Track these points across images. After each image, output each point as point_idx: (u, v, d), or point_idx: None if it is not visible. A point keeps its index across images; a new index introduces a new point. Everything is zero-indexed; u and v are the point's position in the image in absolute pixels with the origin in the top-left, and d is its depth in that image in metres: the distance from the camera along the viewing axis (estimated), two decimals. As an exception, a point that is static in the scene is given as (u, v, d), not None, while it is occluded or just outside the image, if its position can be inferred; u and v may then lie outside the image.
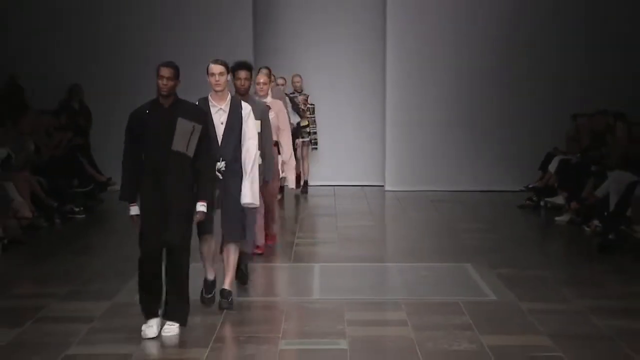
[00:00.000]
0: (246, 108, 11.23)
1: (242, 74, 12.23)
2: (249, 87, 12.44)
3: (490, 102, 22.35)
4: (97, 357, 9.15)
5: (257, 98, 13.39)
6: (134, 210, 10.18)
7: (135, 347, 9.51)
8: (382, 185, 22.84)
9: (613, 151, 17.75)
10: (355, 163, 23.29)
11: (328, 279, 13.41)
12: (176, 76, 10.03)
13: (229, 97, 11.19)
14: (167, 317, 10.29)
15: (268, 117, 13.15)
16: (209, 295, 11.43)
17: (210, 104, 11.13)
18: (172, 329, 10.21)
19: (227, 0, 22.36)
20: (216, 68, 11.08)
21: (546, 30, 22.14)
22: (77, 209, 18.40)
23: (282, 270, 14.17)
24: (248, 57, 21.46)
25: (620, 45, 21.97)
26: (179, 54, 18.38)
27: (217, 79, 11.01)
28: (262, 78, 14.36)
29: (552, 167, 19.65)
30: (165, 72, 9.95)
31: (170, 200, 9.95)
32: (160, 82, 9.94)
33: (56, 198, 17.92)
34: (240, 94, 12.15)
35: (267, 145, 13.09)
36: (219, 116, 11.13)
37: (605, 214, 16.28)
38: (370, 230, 17.88)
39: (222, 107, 11.13)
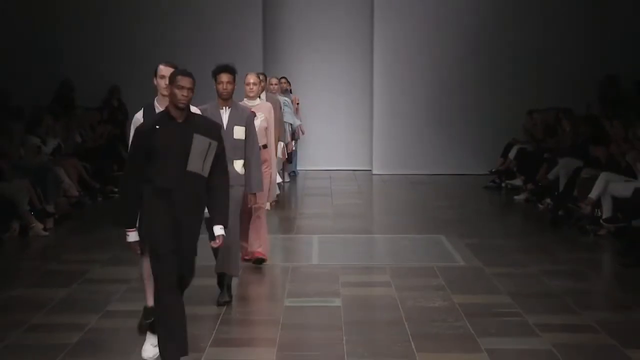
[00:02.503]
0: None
1: (225, 77, 10.06)
2: (232, 91, 10.00)
3: (461, 100, 22.31)
4: (133, 313, 9.16)
5: (242, 103, 10.66)
6: (134, 236, 7.61)
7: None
8: (370, 170, 22.80)
9: (562, 142, 17.76)
10: (346, 150, 23.23)
11: (325, 247, 13.41)
12: (194, 87, 7.55)
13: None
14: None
15: (253, 124, 10.34)
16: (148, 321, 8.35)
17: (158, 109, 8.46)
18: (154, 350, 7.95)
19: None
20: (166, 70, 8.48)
21: (507, 37, 22.03)
22: (115, 190, 18.40)
23: (285, 240, 14.16)
24: (257, 56, 21.68)
25: (570, 50, 21.91)
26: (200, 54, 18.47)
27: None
28: (251, 79, 11.52)
29: (512, 154, 19.65)
30: (186, 82, 7.43)
31: (182, 225, 7.47)
32: (179, 92, 7.41)
33: (99, 180, 17.94)
34: (223, 99, 10.08)
35: (253, 154, 10.25)
36: None
37: (556, 193, 16.32)
38: (360, 207, 17.88)
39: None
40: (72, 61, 21.41)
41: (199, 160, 7.45)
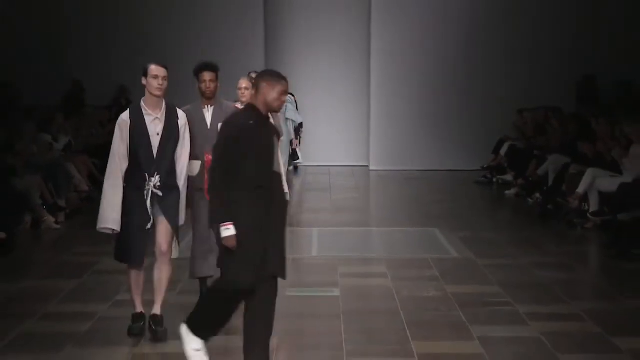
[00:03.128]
0: (182, 118, 8.48)
1: (207, 75, 9.25)
2: (215, 90, 9.24)
3: (454, 100, 22.30)
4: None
5: (227, 103, 9.56)
6: (233, 230, 6.96)
7: (172, 294, 9.52)
8: (367, 166, 22.81)
9: (551, 139, 17.77)
10: (345, 147, 23.21)
11: (324, 240, 13.43)
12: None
13: (164, 104, 8.36)
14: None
15: None
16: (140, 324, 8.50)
17: (144, 112, 8.36)
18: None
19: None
20: (160, 70, 8.31)
21: (498, 40, 22.03)
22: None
23: (287, 232, 14.17)
24: (259, 57, 21.66)
25: (558, 51, 21.91)
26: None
27: (160, 82, 8.27)
28: (243, 83, 10.48)
29: (503, 151, 19.66)
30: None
31: (272, 223, 7.12)
32: (282, 97, 7.10)
33: (107, 176, 17.93)
34: (206, 98, 9.28)
35: None
36: (155, 126, 8.32)
37: (545, 188, 16.34)
38: (358, 202, 17.90)
39: (158, 116, 8.33)
40: (82, 63, 21.42)
41: (277, 158, 7.16)
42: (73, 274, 11.06)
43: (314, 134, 22.54)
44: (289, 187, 10.90)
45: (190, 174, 8.84)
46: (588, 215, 14.22)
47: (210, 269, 9.20)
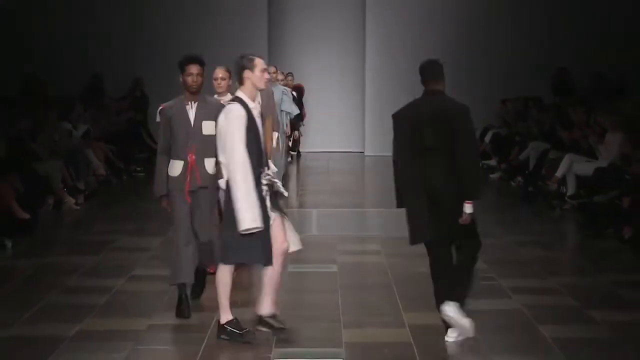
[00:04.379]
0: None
1: (194, 68, 8.12)
2: (202, 84, 8.11)
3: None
4: (155, 277, 9.19)
5: (210, 98, 8.53)
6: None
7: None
8: (362, 152, 22.79)
9: (531, 127, 17.75)
10: (342, 134, 23.17)
11: (323, 220, 13.44)
12: None
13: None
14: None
15: None
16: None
17: (248, 104, 7.40)
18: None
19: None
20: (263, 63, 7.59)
21: (482, 34, 22.00)
22: (138, 169, 18.40)
23: (289, 213, 14.16)
24: (262, 50, 21.60)
25: (539, 43, 21.87)
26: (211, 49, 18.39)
27: (268, 74, 7.76)
28: (219, 73, 9.19)
29: (487, 138, 19.62)
30: None
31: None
32: None
33: (123, 160, 17.93)
34: (191, 92, 8.13)
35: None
36: (258, 119, 7.45)
37: (526, 172, 16.33)
38: (354, 185, 17.90)
39: (257, 107, 7.54)
40: (101, 55, 21.37)
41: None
42: (91, 251, 11.06)
43: (313, 122, 22.48)
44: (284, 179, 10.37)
45: (171, 175, 8.06)
46: (566, 198, 14.21)
47: (191, 275, 8.26)
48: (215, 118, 7.69)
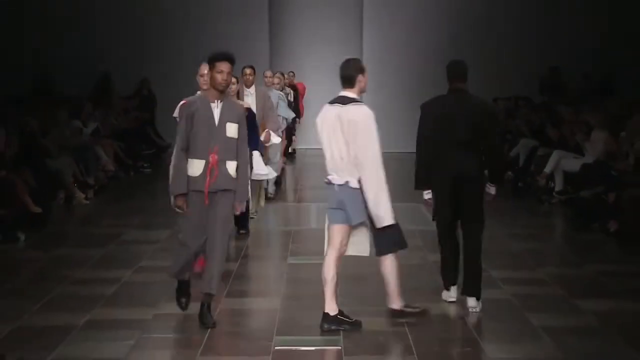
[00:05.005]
0: None
1: (225, 66, 7.51)
2: (229, 84, 7.53)
3: (437, 90, 21.78)
4: (161, 269, 9.19)
5: (233, 100, 8.39)
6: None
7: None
8: (360, 148, 22.72)
9: (521, 124, 17.74)
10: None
11: (322, 214, 13.40)
12: None
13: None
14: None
15: (245, 121, 8.04)
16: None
17: None
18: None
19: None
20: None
21: (477, 37, 21.99)
22: (145, 165, 18.40)
23: (289, 208, 14.18)
24: (264, 52, 21.61)
25: (530, 43, 21.87)
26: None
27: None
28: (205, 69, 8.18)
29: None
30: None
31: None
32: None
33: (131, 157, 17.94)
34: (219, 91, 7.53)
35: (242, 157, 7.80)
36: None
37: (516, 168, 16.32)
38: (352, 180, 17.87)
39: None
40: (110, 57, 21.37)
41: None
42: (100, 243, 11.07)
43: (313, 119, 22.39)
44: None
45: (190, 175, 7.49)
46: (554, 193, 14.22)
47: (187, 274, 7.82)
48: (238, 121, 7.54)
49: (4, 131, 12.45)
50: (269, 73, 15.11)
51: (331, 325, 7.46)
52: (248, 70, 12.18)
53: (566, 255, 10.91)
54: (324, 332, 7.42)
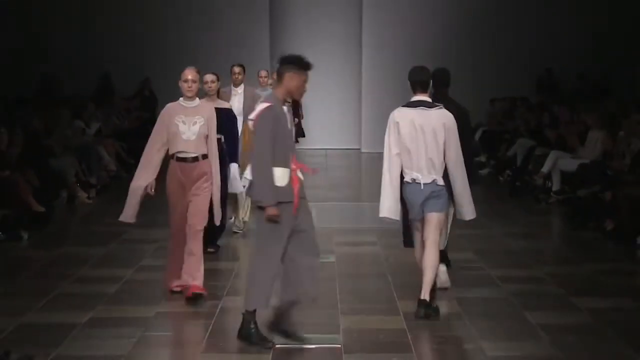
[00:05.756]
0: None
1: (307, 76, 7.08)
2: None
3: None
4: (162, 267, 9.18)
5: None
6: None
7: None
8: (359, 148, 22.77)
9: (519, 125, 17.75)
10: (339, 131, 23.12)
11: (321, 213, 13.40)
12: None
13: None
14: None
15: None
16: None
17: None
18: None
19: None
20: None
21: (476, 37, 21.98)
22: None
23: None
24: (264, 52, 21.59)
25: (527, 45, 21.86)
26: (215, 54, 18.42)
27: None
28: (189, 74, 8.53)
29: (477, 135, 19.60)
30: None
31: None
32: None
33: (133, 157, 17.90)
34: (296, 99, 7.31)
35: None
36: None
37: (514, 167, 16.33)
38: (351, 180, 17.90)
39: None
40: (111, 57, 21.37)
41: None
42: (102, 242, 11.07)
43: (312, 120, 22.47)
44: None
45: (279, 185, 6.94)
46: (551, 192, 14.22)
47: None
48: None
49: (7, 131, 12.45)
50: (263, 73, 14.39)
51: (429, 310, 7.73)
52: (237, 69, 11.45)
53: (563, 253, 10.91)
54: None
